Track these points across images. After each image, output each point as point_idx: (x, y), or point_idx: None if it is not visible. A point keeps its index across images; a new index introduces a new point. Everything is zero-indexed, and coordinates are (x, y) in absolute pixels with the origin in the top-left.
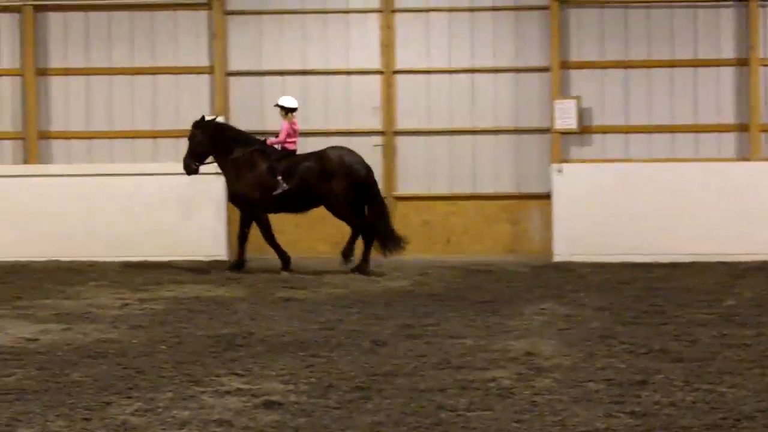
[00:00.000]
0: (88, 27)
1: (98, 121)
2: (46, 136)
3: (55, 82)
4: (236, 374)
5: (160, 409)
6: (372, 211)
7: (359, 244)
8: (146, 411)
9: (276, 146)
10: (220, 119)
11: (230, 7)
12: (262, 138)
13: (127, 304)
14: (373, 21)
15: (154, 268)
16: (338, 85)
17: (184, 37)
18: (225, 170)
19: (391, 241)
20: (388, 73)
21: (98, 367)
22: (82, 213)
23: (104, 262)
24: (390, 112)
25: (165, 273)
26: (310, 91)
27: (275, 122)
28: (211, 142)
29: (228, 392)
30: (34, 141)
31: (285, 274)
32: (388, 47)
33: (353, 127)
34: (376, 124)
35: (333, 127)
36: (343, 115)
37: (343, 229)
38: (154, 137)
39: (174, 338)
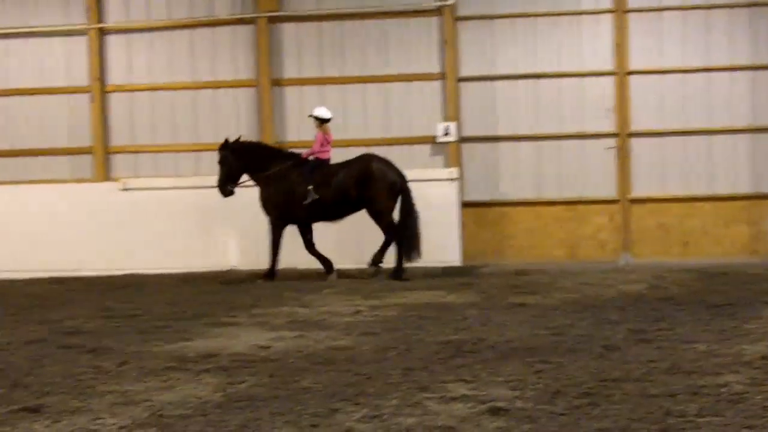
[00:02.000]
0: (321, 37)
1: (333, 129)
2: (281, 145)
3: (289, 92)
4: (463, 380)
5: (385, 416)
6: (403, 217)
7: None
8: (372, 417)
9: (310, 157)
10: (244, 138)
11: (461, 12)
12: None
13: (359, 311)
14: (606, 22)
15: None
16: (570, 87)
17: (416, 44)
18: (261, 185)
19: (414, 250)
20: (622, 74)
21: (327, 374)
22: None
23: (339, 270)
24: (623, 113)
25: (399, 280)
26: (541, 95)
27: (508, 126)
28: (243, 162)
29: (454, 398)
30: None
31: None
32: (621, 48)
33: (586, 129)
34: (610, 126)
35: (565, 131)
36: (575, 118)
37: (578, 233)
38: (388, 144)
39: (403, 344)
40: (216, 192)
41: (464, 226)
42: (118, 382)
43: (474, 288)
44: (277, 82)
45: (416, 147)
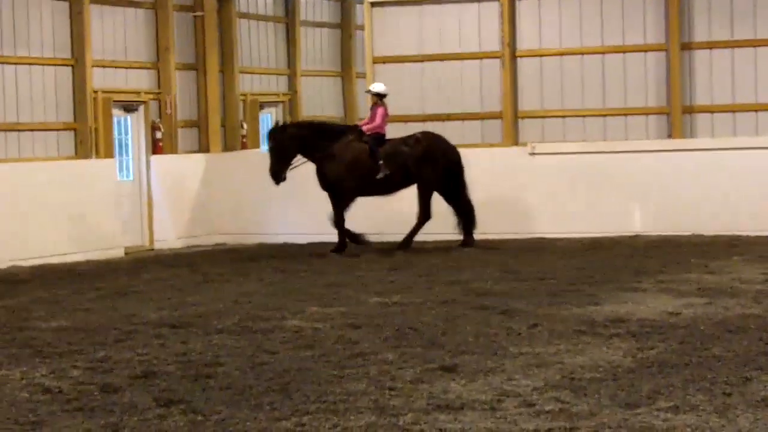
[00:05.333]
0: (733, 0)
1: (743, 93)
2: (689, 110)
3: (699, 56)
4: None
5: None
6: (462, 195)
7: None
8: None
9: (370, 132)
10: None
11: None
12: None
13: None
14: None
15: None
16: None
17: None
18: (322, 162)
19: (473, 224)
20: None
21: (739, 342)
22: (727, 187)
23: (749, 237)
24: None
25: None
26: None
27: None
28: (297, 144)
29: None
30: (678, 115)
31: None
32: None
33: None
34: None
35: None
36: None
37: None
38: None
39: None
40: (612, 157)
41: None
42: (530, 343)
43: None
44: (687, 46)
45: None
